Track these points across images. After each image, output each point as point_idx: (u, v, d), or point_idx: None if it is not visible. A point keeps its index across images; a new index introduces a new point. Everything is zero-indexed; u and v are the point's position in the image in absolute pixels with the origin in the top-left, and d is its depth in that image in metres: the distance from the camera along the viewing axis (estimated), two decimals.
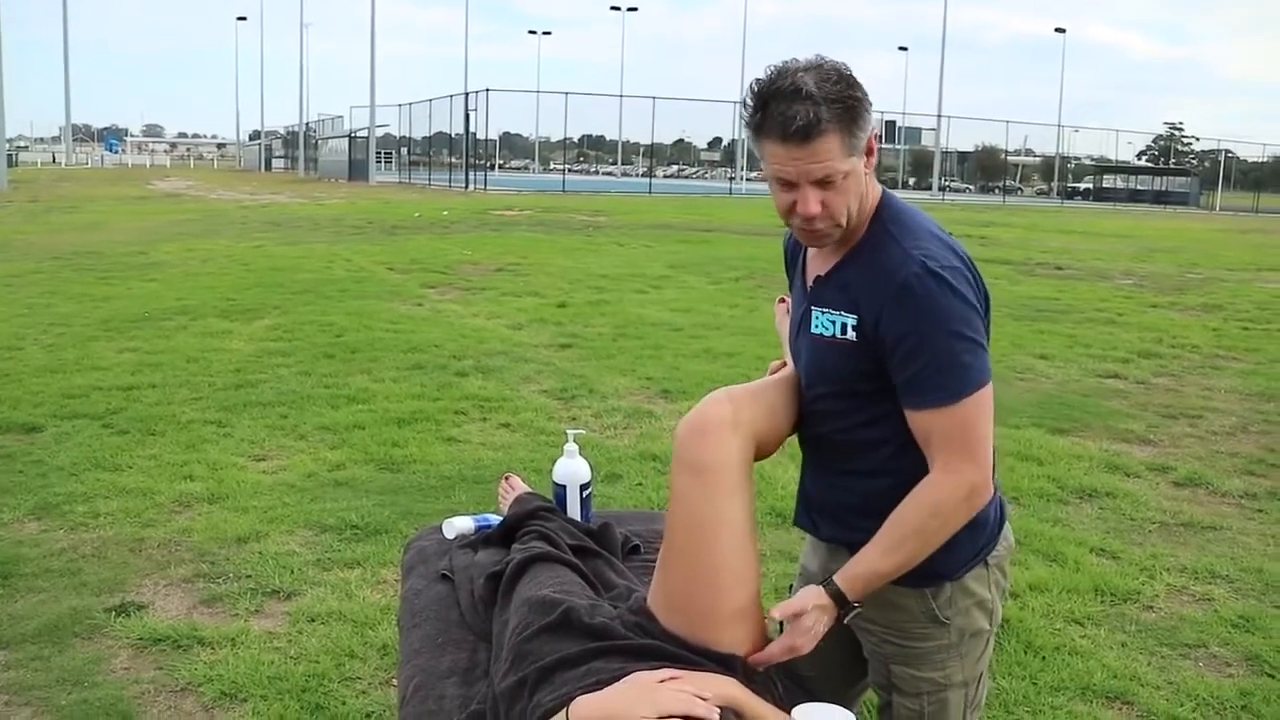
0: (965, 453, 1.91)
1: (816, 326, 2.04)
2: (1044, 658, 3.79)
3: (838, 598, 1.94)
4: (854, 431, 2.05)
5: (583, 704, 1.66)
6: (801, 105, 1.83)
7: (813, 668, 2.18)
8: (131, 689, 3.45)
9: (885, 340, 1.93)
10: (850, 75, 1.89)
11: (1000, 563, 2.14)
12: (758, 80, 1.90)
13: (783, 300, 2.41)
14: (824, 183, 1.89)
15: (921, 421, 1.93)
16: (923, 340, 1.89)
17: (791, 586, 2.38)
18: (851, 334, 1.98)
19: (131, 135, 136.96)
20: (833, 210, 1.92)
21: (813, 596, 1.95)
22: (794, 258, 2.22)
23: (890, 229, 1.98)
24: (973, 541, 2.06)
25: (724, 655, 1.92)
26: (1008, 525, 2.18)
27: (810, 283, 2.10)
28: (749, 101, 1.90)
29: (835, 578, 1.96)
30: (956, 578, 2.06)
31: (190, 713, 3.34)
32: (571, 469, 2.89)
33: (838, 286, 2.02)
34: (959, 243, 2.04)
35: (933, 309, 1.88)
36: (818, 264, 2.09)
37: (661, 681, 1.67)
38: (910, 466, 1.97)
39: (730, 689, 1.73)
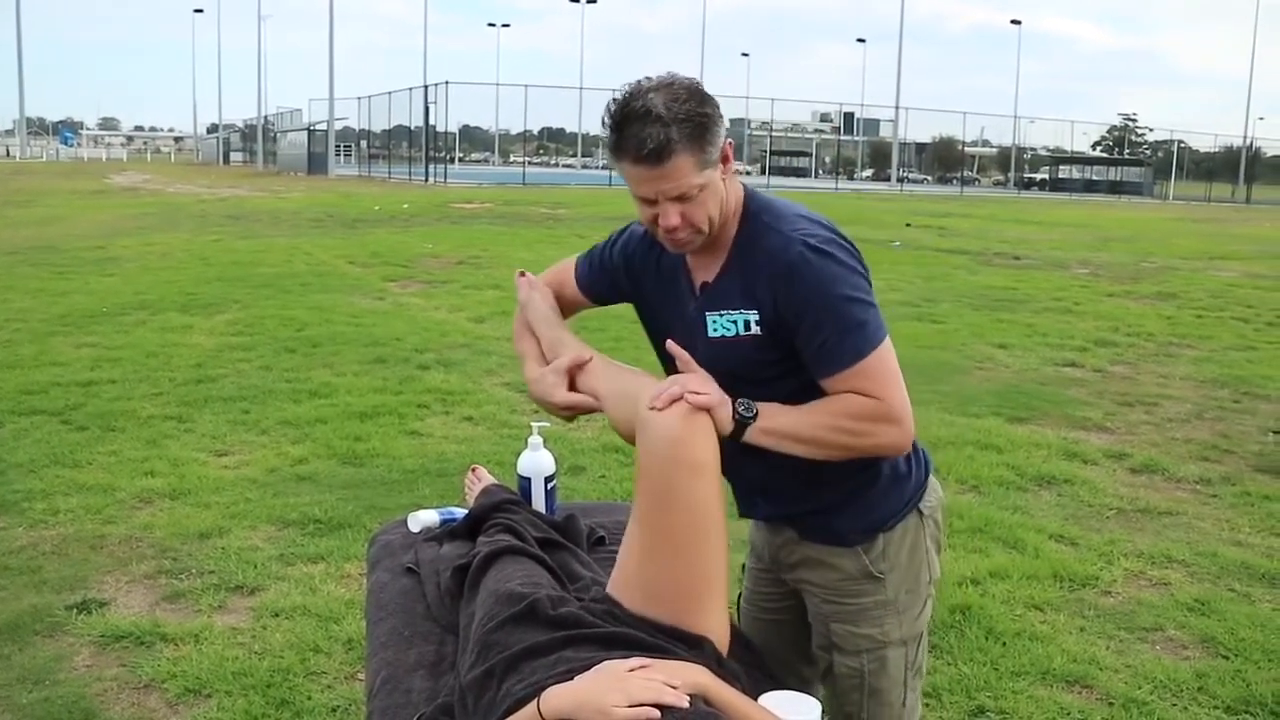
0: (885, 395, 1.97)
1: (715, 330, 2.08)
2: (1004, 643, 3.83)
3: (743, 415, 1.99)
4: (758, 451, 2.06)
5: (553, 693, 1.67)
6: (652, 128, 1.90)
7: (775, 642, 2.32)
8: (94, 687, 3.43)
9: (787, 321, 1.99)
10: (700, 91, 1.96)
11: (933, 513, 2.23)
12: (612, 101, 1.96)
13: (524, 274, 2.47)
14: (681, 198, 1.97)
15: (836, 387, 1.99)
16: (820, 313, 1.96)
17: (744, 566, 2.47)
18: (755, 328, 2.03)
19: (87, 129, 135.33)
20: (693, 220, 1.99)
21: (725, 407, 1.99)
22: (646, 263, 2.25)
23: (764, 219, 2.06)
24: (900, 492, 2.17)
25: (695, 637, 1.95)
26: (933, 478, 2.27)
27: (698, 290, 2.13)
28: (605, 123, 1.97)
29: (759, 405, 2.01)
30: (888, 528, 2.16)
31: (154, 710, 3.33)
32: (536, 461, 2.90)
33: (731, 287, 2.07)
34: (832, 221, 2.09)
35: (822, 281, 1.96)
36: (700, 269, 2.14)
37: (631, 670, 1.68)
38: None
39: (700, 676, 1.74)
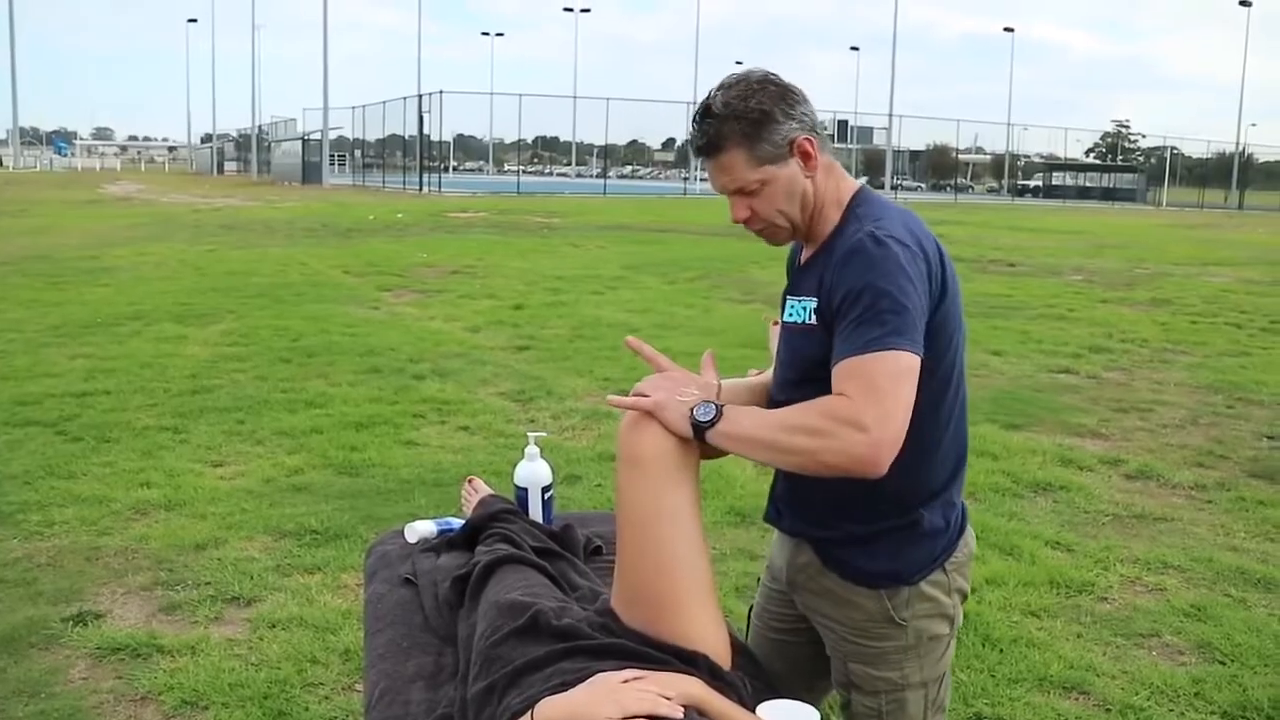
0: (870, 397, 1.82)
1: (789, 315, 2.08)
2: (1001, 650, 3.83)
3: (703, 421, 1.94)
4: None
5: (547, 705, 1.67)
6: (707, 123, 1.97)
7: (779, 663, 2.24)
8: (90, 699, 3.42)
9: (834, 305, 1.93)
10: (768, 87, 1.98)
11: (960, 568, 2.15)
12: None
13: (776, 323, 2.36)
14: (741, 192, 2.01)
15: (837, 372, 1.88)
16: (856, 296, 1.88)
17: (760, 580, 2.40)
18: (813, 317, 1.99)
19: (81, 138, 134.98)
20: (762, 215, 2.02)
21: (675, 409, 1.97)
22: (793, 258, 2.24)
23: (857, 213, 2.02)
24: (931, 545, 2.08)
25: (689, 653, 1.92)
26: (969, 530, 2.20)
27: (794, 274, 2.16)
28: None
29: (725, 407, 1.95)
30: (913, 582, 2.06)
31: None
32: (533, 472, 2.90)
33: (809, 274, 2.05)
34: (928, 232, 2.02)
35: (870, 267, 1.88)
36: (802, 258, 2.15)
37: (625, 681, 1.68)
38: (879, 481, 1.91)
39: (694, 688, 1.74)
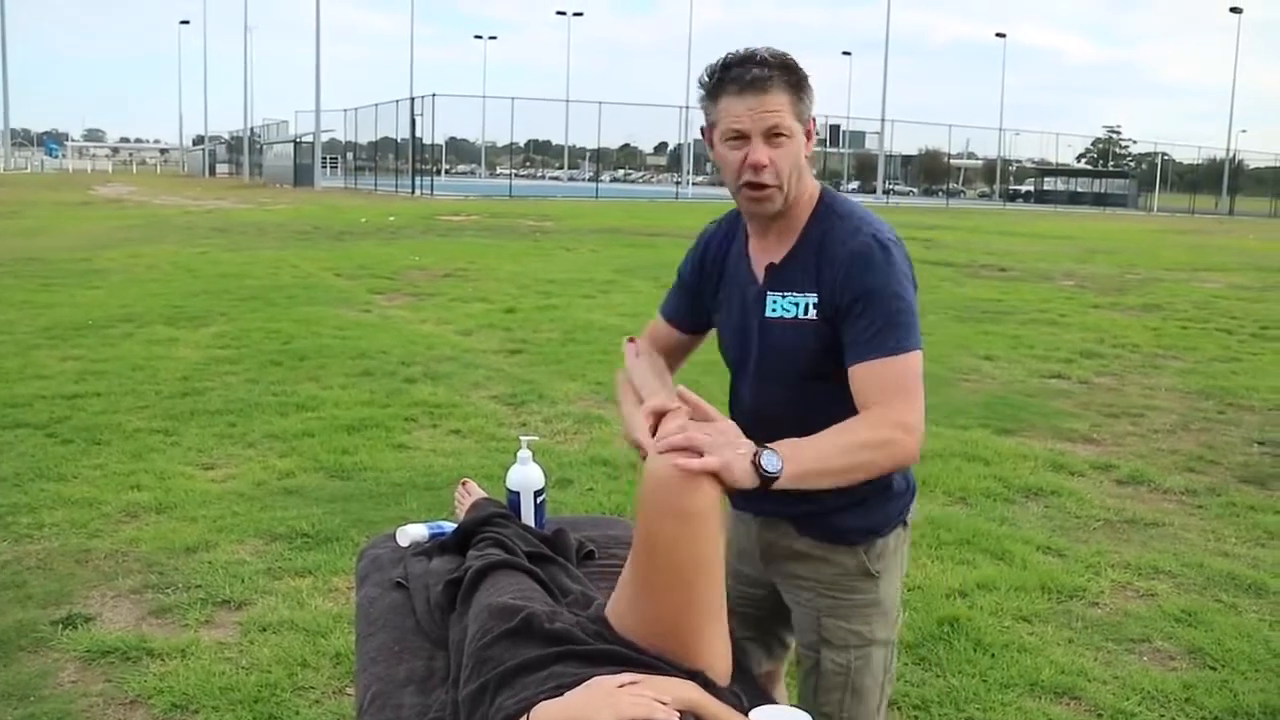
0: (906, 399, 2.03)
1: (774, 310, 2.16)
2: (993, 655, 3.83)
3: (772, 473, 1.88)
4: (805, 415, 2.05)
5: (544, 709, 1.67)
6: (757, 66, 2.05)
7: (740, 631, 2.31)
8: (80, 702, 3.41)
9: (841, 305, 2.07)
10: (796, 61, 2.10)
11: (913, 522, 2.36)
12: (717, 59, 2.11)
13: (632, 340, 2.45)
14: (773, 136, 2.07)
15: (864, 373, 2.04)
16: (874, 299, 2.04)
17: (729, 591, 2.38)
18: (813, 312, 2.11)
19: (72, 140, 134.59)
20: (778, 167, 2.08)
21: (740, 465, 1.89)
22: (716, 256, 2.32)
23: (836, 212, 2.16)
24: (898, 502, 2.27)
25: (686, 670, 1.90)
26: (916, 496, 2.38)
27: (763, 273, 2.20)
28: (708, 73, 2.11)
29: (780, 448, 1.91)
30: (884, 534, 2.25)
31: None
32: (525, 476, 2.89)
33: (796, 269, 2.15)
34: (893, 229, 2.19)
35: (884, 272, 2.06)
36: (766, 254, 2.21)
37: (621, 686, 1.68)
38: None
39: (690, 692, 1.74)
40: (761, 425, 2.00)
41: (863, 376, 2.04)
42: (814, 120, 2.13)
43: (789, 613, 2.35)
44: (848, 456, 1.97)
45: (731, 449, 1.89)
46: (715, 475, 1.87)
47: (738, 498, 2.22)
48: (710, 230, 2.36)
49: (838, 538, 2.22)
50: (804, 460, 1.92)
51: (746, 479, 1.87)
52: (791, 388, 2.16)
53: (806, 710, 1.95)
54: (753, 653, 2.47)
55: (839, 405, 2.04)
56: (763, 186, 2.09)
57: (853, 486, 2.05)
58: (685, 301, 2.43)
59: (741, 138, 2.08)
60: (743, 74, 2.05)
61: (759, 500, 2.12)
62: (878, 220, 2.15)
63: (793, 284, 2.14)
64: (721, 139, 2.11)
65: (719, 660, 1.95)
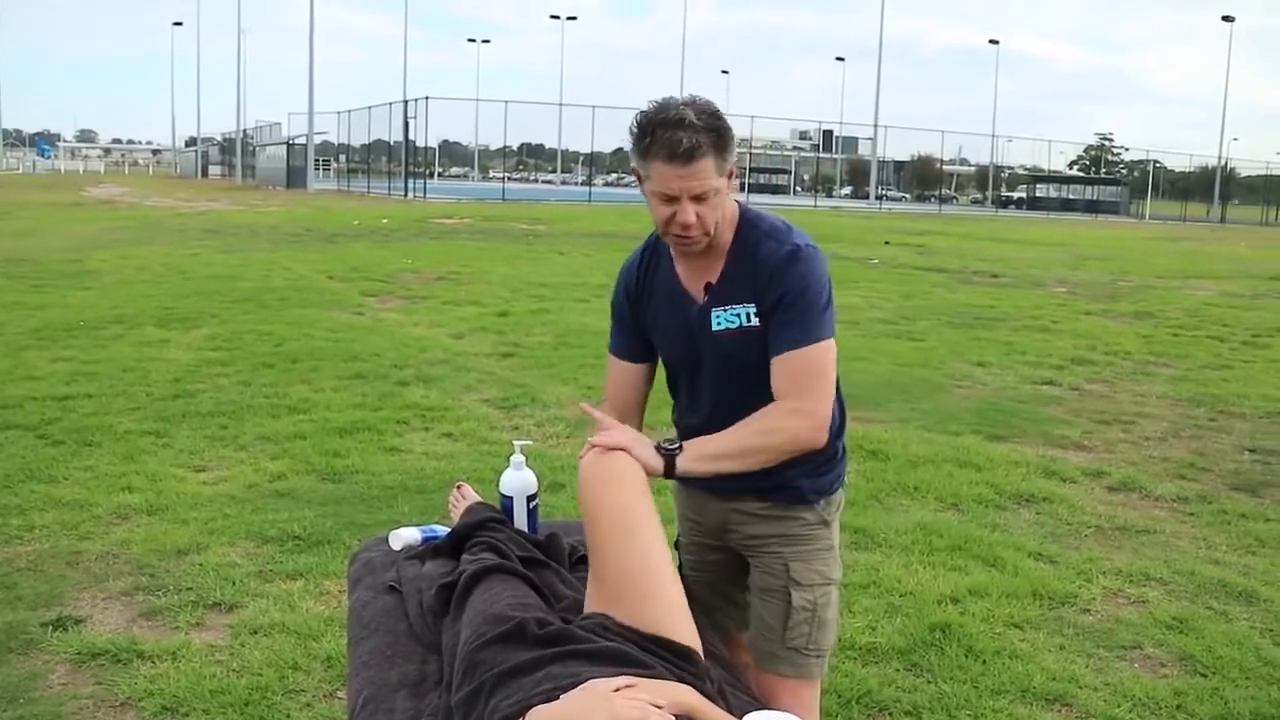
0: (810, 392, 2.34)
1: (719, 324, 2.41)
2: (984, 661, 3.84)
3: (670, 463, 2.32)
4: (764, 405, 2.38)
5: (539, 713, 1.66)
6: (685, 132, 2.21)
7: (713, 599, 2.70)
8: (69, 705, 3.40)
9: (767, 307, 2.35)
10: (719, 111, 2.29)
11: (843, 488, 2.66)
12: (643, 112, 2.28)
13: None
14: (700, 198, 2.27)
15: (777, 366, 2.34)
16: (795, 297, 2.32)
17: (677, 541, 2.77)
18: (755, 320, 2.37)
19: (65, 141, 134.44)
20: (705, 221, 2.30)
21: (643, 446, 2.32)
22: (642, 288, 2.56)
23: (760, 227, 2.41)
24: (841, 465, 2.59)
25: (682, 648, 2.01)
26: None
27: (702, 291, 2.44)
28: (635, 129, 2.28)
29: (684, 444, 2.36)
30: (834, 491, 2.57)
31: None
32: (519, 480, 2.89)
33: (732, 284, 2.40)
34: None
35: (805, 274, 2.34)
36: (700, 274, 2.44)
37: (617, 689, 1.68)
38: None
39: (686, 696, 1.74)
40: (726, 420, 2.39)
41: (775, 370, 2.35)
42: (734, 167, 2.33)
43: (744, 573, 2.61)
44: (744, 442, 2.33)
45: (637, 440, 2.33)
46: (629, 454, 2.28)
47: (693, 484, 2.61)
48: (630, 261, 2.59)
49: (798, 499, 2.51)
50: (707, 446, 2.35)
51: (651, 457, 2.30)
52: (749, 387, 2.39)
53: (775, 647, 2.51)
54: (722, 611, 2.73)
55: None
56: (690, 238, 2.33)
57: (810, 458, 2.42)
58: (627, 333, 2.63)
59: (671, 199, 2.28)
60: (672, 143, 2.21)
61: (725, 481, 2.48)
62: (796, 229, 2.41)
63: (731, 297, 2.39)
64: (650, 192, 2.31)
65: (684, 623, 2.12)
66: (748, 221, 2.42)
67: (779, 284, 2.33)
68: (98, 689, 3.50)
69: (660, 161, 2.24)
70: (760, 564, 2.57)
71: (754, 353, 2.38)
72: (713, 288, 2.42)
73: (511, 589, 2.30)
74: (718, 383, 2.47)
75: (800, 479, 2.49)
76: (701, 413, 2.53)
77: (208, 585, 4.28)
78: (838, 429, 2.52)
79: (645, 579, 2.15)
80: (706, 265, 2.42)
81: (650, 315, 2.55)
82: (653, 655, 1.94)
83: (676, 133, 2.21)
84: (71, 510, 5.06)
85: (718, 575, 2.72)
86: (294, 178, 51.72)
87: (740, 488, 2.52)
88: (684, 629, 2.12)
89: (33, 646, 3.76)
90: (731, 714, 1.81)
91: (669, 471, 2.32)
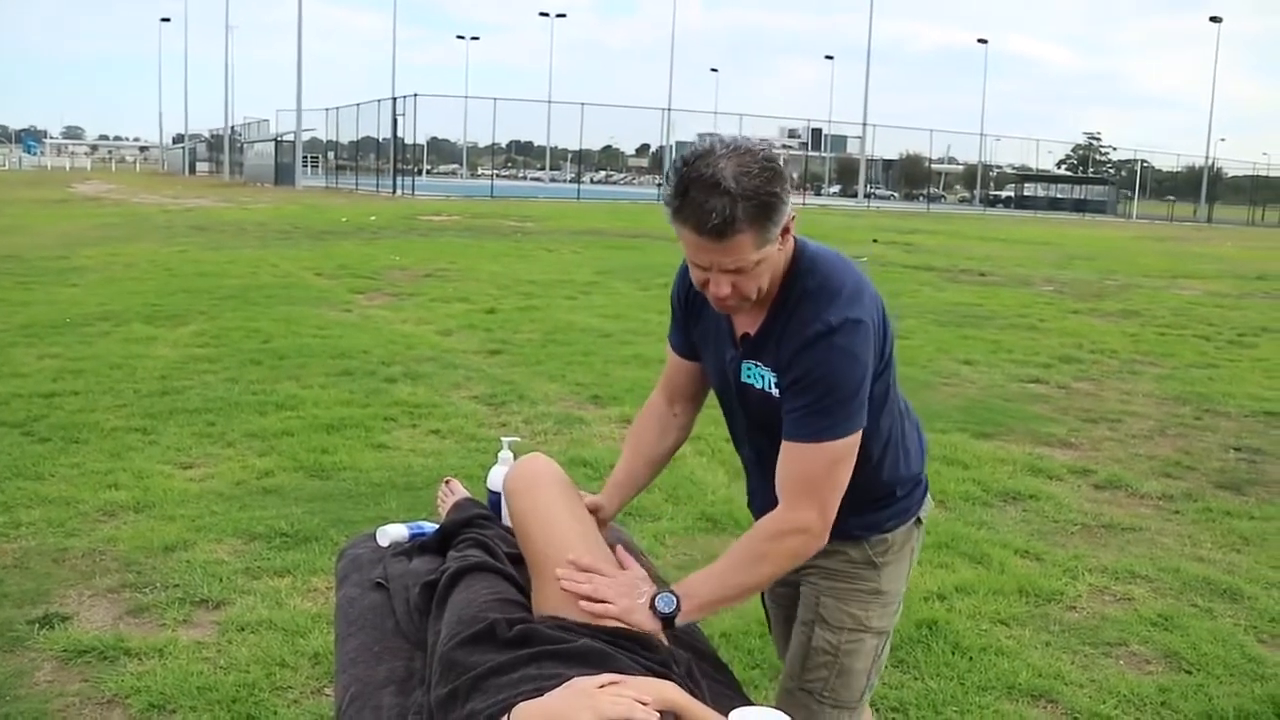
0: (810, 496, 2.11)
1: (747, 377, 2.22)
2: (971, 658, 3.85)
3: (667, 612, 2.11)
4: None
5: (524, 711, 1.67)
6: (718, 200, 1.90)
7: (780, 630, 2.62)
8: (56, 702, 3.39)
9: (784, 385, 2.12)
10: (773, 166, 1.95)
11: (925, 520, 2.46)
12: (681, 159, 1.97)
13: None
14: (736, 271, 2.01)
15: (785, 454, 2.13)
16: (810, 385, 2.07)
17: (763, 597, 2.66)
18: (774, 389, 2.16)
19: (51, 137, 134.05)
20: (743, 291, 2.05)
21: (638, 613, 2.11)
22: (693, 301, 2.33)
23: (807, 285, 2.11)
24: (901, 503, 2.36)
25: (639, 636, 2.06)
26: (929, 498, 2.49)
27: (739, 339, 2.24)
28: (670, 180, 1.97)
29: (677, 588, 2.14)
30: (888, 531, 2.35)
31: None
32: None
33: (764, 343, 2.17)
34: (869, 286, 2.16)
35: (825, 361, 2.05)
36: (743, 319, 2.22)
37: (602, 687, 1.68)
38: (854, 477, 2.17)
39: (670, 692, 1.75)
40: (763, 464, 2.25)
41: (782, 457, 2.13)
42: (792, 217, 2.02)
43: None
44: (747, 575, 2.17)
45: (630, 597, 2.12)
46: (623, 622, 2.08)
47: (754, 510, 2.45)
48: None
49: (841, 534, 2.23)
50: (701, 595, 2.14)
51: (647, 622, 2.09)
52: (778, 440, 2.16)
53: (792, 684, 2.35)
54: (785, 645, 2.57)
55: None
56: (726, 307, 2.13)
57: (860, 507, 2.24)
58: (679, 332, 2.47)
59: (703, 268, 2.05)
60: (703, 214, 1.91)
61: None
62: (849, 290, 2.10)
63: (760, 356, 2.18)
64: (687, 255, 2.07)
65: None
66: (799, 271, 2.11)
67: (798, 365, 2.07)
68: (84, 686, 3.49)
69: (690, 231, 1.96)
70: (801, 595, 2.41)
71: (777, 417, 2.15)
72: (748, 339, 2.20)
73: (492, 586, 2.30)
74: (754, 429, 2.29)
75: (848, 515, 2.23)
76: (744, 449, 2.41)
77: (195, 582, 4.27)
78: (894, 481, 2.33)
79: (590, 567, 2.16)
80: (752, 313, 2.17)
81: (698, 333, 2.37)
82: (618, 648, 1.96)
83: (710, 200, 1.89)
84: (58, 507, 5.04)
85: (783, 608, 2.59)
86: (282, 175, 51.57)
87: None
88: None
89: (19, 644, 3.75)
90: (705, 702, 1.82)
91: (667, 628, 2.13)
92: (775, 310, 2.14)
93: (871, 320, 2.10)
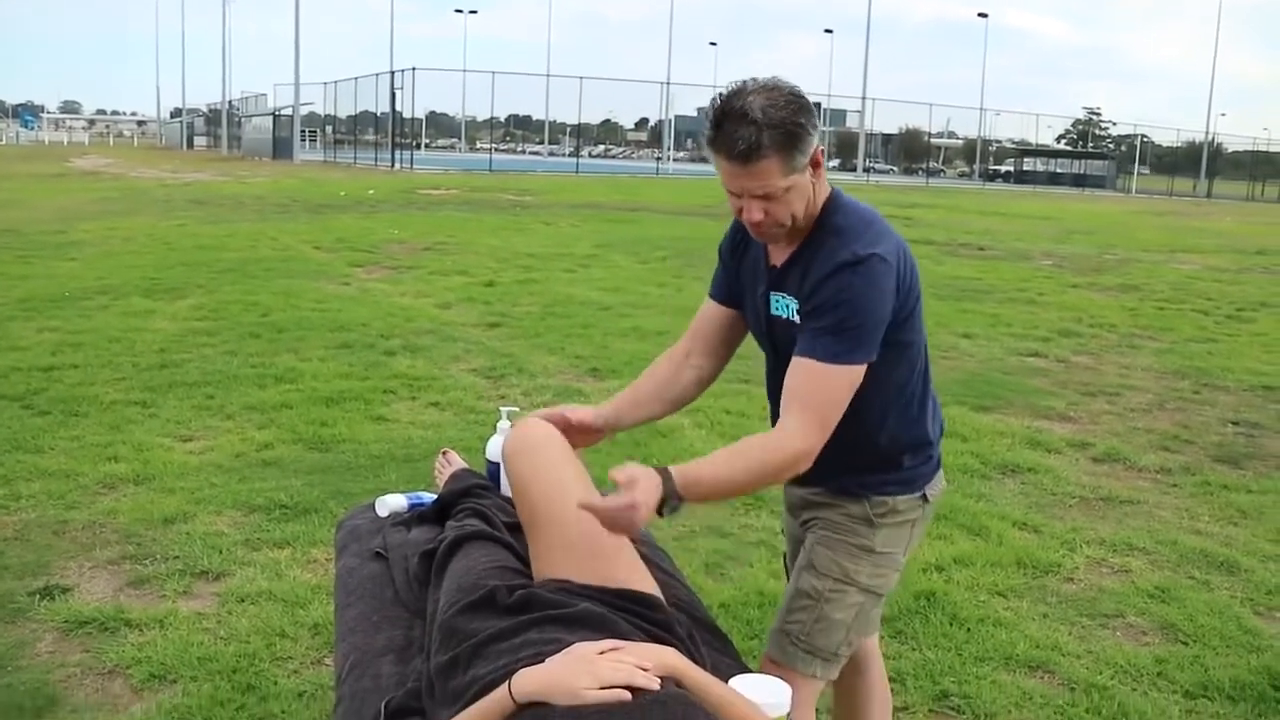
0: (815, 412, 2.16)
1: (776, 309, 2.32)
2: (969, 629, 3.87)
3: (668, 487, 2.09)
4: None
5: (524, 676, 1.67)
6: (746, 129, 2.06)
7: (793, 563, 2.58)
8: (57, 672, 3.41)
9: (807, 306, 2.20)
10: (800, 100, 2.11)
11: (935, 502, 2.49)
12: (718, 95, 2.12)
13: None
14: (765, 197, 2.14)
15: (794, 368, 2.19)
16: (832, 308, 2.15)
17: (784, 555, 2.72)
18: (796, 316, 2.24)
19: (48, 112, 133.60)
20: (776, 217, 2.17)
21: (646, 477, 2.09)
22: (745, 245, 2.42)
23: (836, 222, 2.23)
24: (906, 473, 2.40)
25: (645, 597, 2.08)
26: (940, 473, 2.52)
27: (769, 272, 2.33)
28: (708, 115, 2.12)
29: (673, 470, 2.12)
30: (889, 495, 2.38)
31: (118, 695, 3.31)
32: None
33: (791, 274, 2.27)
34: (898, 237, 2.26)
35: (850, 288, 2.14)
36: (776, 254, 2.33)
37: (602, 653, 1.69)
38: (860, 428, 2.27)
39: (670, 658, 1.75)
40: (779, 390, 2.27)
41: (792, 371, 2.19)
42: (820, 150, 2.16)
43: None
44: (744, 478, 2.21)
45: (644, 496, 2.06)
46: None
47: None
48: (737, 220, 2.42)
49: (841, 491, 2.38)
50: (689, 474, 2.12)
51: (653, 500, 2.06)
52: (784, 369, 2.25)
53: (777, 624, 2.41)
54: None
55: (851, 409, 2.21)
56: (761, 233, 2.24)
57: (863, 457, 2.33)
58: (723, 276, 2.52)
59: (737, 195, 2.17)
60: (732, 141, 2.07)
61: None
62: (875, 230, 2.22)
63: (785, 286, 2.28)
64: (722, 183, 2.18)
65: (635, 573, 2.18)
66: (830, 210, 2.25)
67: (820, 291, 2.17)
68: (85, 657, 3.50)
69: (722, 158, 2.11)
70: (805, 542, 2.47)
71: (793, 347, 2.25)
72: (776, 271, 2.31)
73: (490, 554, 2.31)
74: (783, 368, 2.28)
75: (847, 474, 2.37)
76: (773, 397, 2.41)
77: (195, 554, 4.28)
78: (905, 445, 2.39)
79: (588, 538, 2.15)
80: (784, 247, 2.30)
81: (741, 277, 2.45)
82: (620, 611, 1.97)
83: (739, 129, 2.06)
84: (58, 480, 5.05)
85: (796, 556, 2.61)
86: (280, 149, 51.42)
87: (805, 479, 2.38)
88: (639, 577, 2.15)
89: (20, 615, 3.76)
90: (705, 668, 1.83)
91: (669, 504, 2.11)
92: (805, 243, 2.25)
93: (896, 263, 2.19)
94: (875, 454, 2.36)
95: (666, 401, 2.58)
